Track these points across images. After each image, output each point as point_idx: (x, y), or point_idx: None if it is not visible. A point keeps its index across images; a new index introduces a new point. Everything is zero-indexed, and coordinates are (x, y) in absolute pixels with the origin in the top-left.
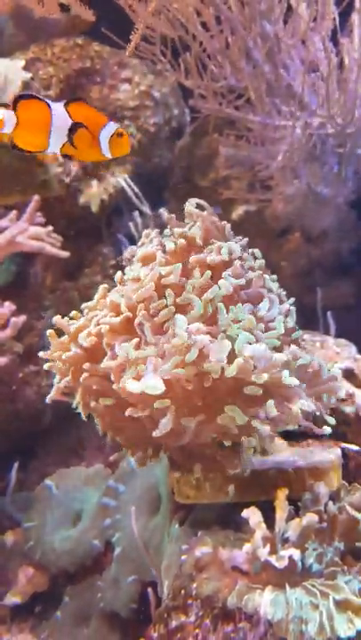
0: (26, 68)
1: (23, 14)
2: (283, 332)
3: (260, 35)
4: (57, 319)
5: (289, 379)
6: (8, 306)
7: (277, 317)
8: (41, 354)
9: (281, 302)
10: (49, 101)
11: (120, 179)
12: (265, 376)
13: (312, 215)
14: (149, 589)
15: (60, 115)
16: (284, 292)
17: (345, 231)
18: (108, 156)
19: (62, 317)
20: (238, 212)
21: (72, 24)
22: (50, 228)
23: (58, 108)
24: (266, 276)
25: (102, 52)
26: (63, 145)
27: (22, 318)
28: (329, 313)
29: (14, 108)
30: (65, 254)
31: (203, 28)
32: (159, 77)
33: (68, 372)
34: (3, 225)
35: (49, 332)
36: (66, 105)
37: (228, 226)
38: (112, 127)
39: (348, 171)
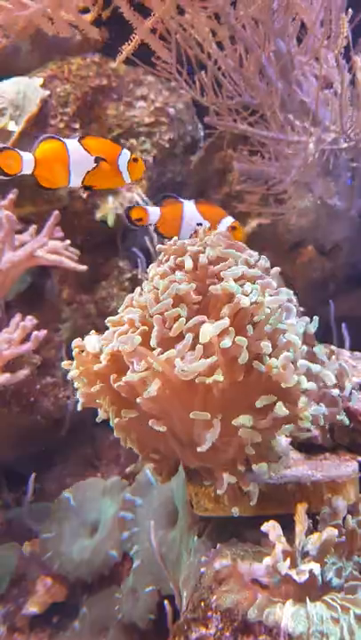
0: (44, 86)
1: (38, 31)
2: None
3: (274, 52)
4: (77, 342)
5: (308, 383)
6: (30, 319)
7: (302, 326)
8: (64, 363)
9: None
10: (64, 139)
11: (135, 193)
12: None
13: (325, 228)
14: (166, 602)
15: (77, 150)
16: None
17: (358, 243)
18: (128, 181)
19: (79, 334)
20: (252, 225)
21: (86, 42)
22: (67, 242)
23: (73, 143)
24: (290, 292)
25: (119, 70)
26: (84, 178)
27: (43, 332)
28: (343, 325)
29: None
30: (82, 268)
31: (218, 47)
32: (174, 94)
33: (94, 384)
34: (23, 239)
35: (75, 349)
36: (80, 140)
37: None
38: (127, 154)
39: None
